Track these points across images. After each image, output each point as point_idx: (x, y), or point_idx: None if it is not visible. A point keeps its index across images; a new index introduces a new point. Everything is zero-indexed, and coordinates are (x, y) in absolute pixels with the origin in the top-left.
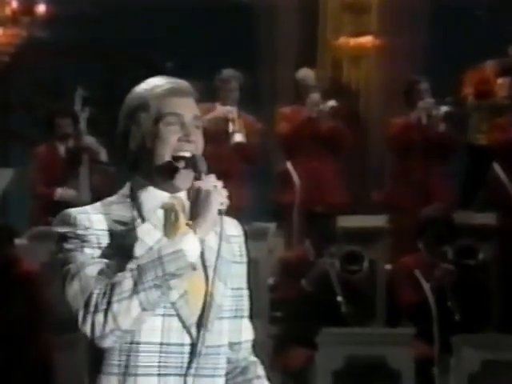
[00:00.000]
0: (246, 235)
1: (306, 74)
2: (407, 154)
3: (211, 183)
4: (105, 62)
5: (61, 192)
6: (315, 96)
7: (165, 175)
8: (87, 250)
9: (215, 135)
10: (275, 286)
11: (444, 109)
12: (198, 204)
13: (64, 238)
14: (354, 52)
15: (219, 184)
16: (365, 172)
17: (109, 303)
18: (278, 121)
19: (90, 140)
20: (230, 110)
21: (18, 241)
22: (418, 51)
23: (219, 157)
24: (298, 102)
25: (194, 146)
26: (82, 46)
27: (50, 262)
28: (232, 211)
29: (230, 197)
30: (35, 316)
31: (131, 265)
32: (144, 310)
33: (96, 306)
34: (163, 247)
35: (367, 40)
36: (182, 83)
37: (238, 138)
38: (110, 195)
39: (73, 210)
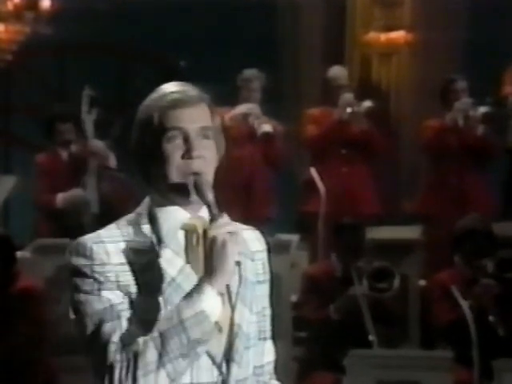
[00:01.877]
0: (269, 249)
1: (337, 72)
2: (442, 159)
3: (226, 229)
4: (114, 60)
5: (63, 196)
6: (348, 96)
7: (178, 193)
8: (105, 294)
9: (237, 136)
10: (299, 304)
11: (482, 110)
12: (213, 256)
13: (79, 273)
14: (384, 48)
15: (235, 229)
16: (396, 179)
17: (135, 378)
18: (305, 123)
19: (97, 144)
20: (252, 107)
21: (19, 254)
22: (454, 47)
23: (242, 161)
24: (326, 102)
25: (202, 162)
26: (89, 43)
27: (54, 276)
28: (254, 221)
29: (253, 207)
30: (38, 337)
31: (154, 332)
32: (173, 381)
33: (121, 381)
34: (182, 308)
35: (399, 35)
36: (189, 91)
37: (266, 127)
38: (120, 204)
39: (88, 239)
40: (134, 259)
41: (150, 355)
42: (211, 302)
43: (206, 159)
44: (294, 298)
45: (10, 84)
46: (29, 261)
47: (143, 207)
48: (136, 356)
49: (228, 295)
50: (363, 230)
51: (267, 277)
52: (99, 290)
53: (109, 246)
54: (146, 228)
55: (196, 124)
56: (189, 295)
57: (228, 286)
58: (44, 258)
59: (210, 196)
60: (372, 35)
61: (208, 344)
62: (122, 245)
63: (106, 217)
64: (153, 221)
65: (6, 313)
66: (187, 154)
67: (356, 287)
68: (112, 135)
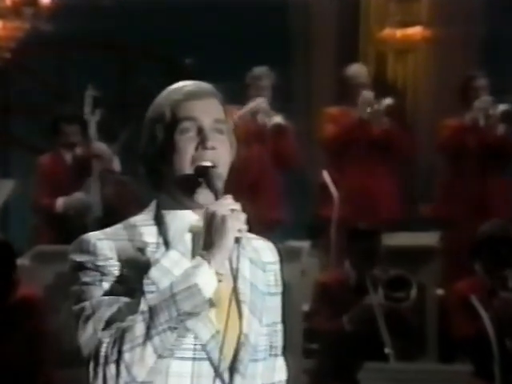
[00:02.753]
0: (282, 259)
1: (357, 70)
2: (461, 160)
3: (228, 206)
4: (118, 58)
5: (63, 200)
6: (368, 95)
7: (187, 191)
8: (106, 285)
9: (245, 135)
10: (310, 314)
11: (503, 108)
12: (212, 231)
13: (81, 267)
14: (400, 45)
15: (237, 207)
16: (412, 182)
17: (120, 352)
18: (322, 122)
19: (101, 147)
20: (261, 101)
21: (19, 261)
22: (473, 43)
23: (249, 161)
24: (344, 102)
25: (216, 154)
26: (90, 41)
27: (54, 285)
28: (264, 227)
29: (262, 211)
30: (38, 348)
31: (143, 306)
32: (160, 356)
33: (106, 357)
34: (175, 283)
35: (416, 31)
36: (202, 84)
37: (277, 119)
38: (123, 208)
39: (92, 236)
40: (139, 258)
41: (138, 329)
42: (206, 277)
43: (220, 153)
44: (305, 307)
45: (8, 83)
46: (28, 268)
47: (151, 208)
48: (124, 331)
49: (237, 304)
50: (378, 236)
51: (279, 289)
52: (101, 281)
53: (113, 242)
54: (153, 229)
55: (210, 115)
56: (185, 271)
57: (238, 295)
58: (44, 265)
59: (219, 185)
60: (387, 31)
61: (199, 318)
62: (127, 244)
63: (109, 221)
64: (160, 222)
65: (5, 323)
66: (201, 144)
67: (371, 296)
68: (121, 139)
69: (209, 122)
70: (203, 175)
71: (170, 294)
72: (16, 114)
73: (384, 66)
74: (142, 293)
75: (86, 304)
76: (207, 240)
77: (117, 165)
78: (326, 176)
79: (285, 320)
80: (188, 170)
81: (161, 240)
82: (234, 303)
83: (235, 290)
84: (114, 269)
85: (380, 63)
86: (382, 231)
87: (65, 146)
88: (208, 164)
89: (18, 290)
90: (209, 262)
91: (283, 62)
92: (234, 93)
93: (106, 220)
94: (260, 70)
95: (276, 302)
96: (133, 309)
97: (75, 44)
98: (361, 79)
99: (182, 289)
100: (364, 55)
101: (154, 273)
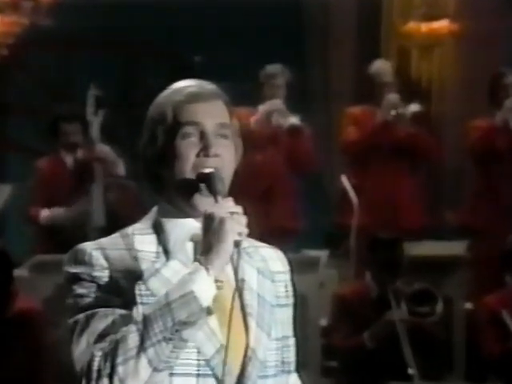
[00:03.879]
0: (292, 269)
1: (381, 67)
2: (491, 164)
3: (227, 209)
4: (122, 56)
5: (47, 214)
6: (393, 98)
7: (187, 198)
8: (102, 297)
9: (258, 138)
10: (328, 330)
11: None
12: (210, 234)
13: (76, 279)
14: (425, 40)
15: (238, 210)
16: (437, 187)
17: (113, 366)
18: (344, 124)
19: (104, 149)
20: (276, 103)
21: (16, 271)
22: (504, 38)
23: (263, 165)
24: (366, 101)
25: (219, 161)
26: (93, 37)
27: (54, 297)
28: (279, 235)
29: (277, 218)
30: (36, 363)
31: (137, 315)
32: (155, 369)
33: (99, 371)
34: (171, 291)
35: (442, 25)
36: (206, 86)
37: (293, 119)
38: (129, 216)
39: (87, 246)
40: (137, 268)
41: (132, 340)
42: (203, 284)
43: (224, 159)
44: (322, 322)
45: (5, 81)
46: (26, 279)
47: (149, 216)
48: (117, 342)
49: (243, 316)
50: (401, 246)
51: (290, 301)
52: (96, 292)
53: (110, 252)
54: (152, 238)
55: (213, 120)
56: (181, 278)
57: (244, 306)
58: (43, 276)
59: (220, 188)
60: (411, 25)
61: (195, 327)
62: (125, 253)
63: (112, 229)
64: (160, 230)
65: (3, 337)
66: (203, 151)
67: (393, 311)
68: (120, 140)
69: (212, 126)
70: (205, 181)
71: (165, 303)
72: (13, 115)
73: (407, 62)
74: (136, 302)
75: (80, 317)
76: (205, 244)
77: (121, 169)
78: (345, 181)
79: (301, 335)
80: (188, 176)
81: (160, 249)
82: (238, 314)
83: (236, 298)
84: (111, 280)
85: (403, 59)
86: (404, 240)
87: (65, 147)
88: (209, 171)
89: (16, 303)
90: (206, 268)
91: (299, 59)
92: (246, 93)
93: (109, 229)
94: (274, 68)
95: (287, 315)
96: (128, 321)
97: (76, 41)
98: (385, 77)
99: (178, 296)
100: (386, 51)
101: (153, 283)
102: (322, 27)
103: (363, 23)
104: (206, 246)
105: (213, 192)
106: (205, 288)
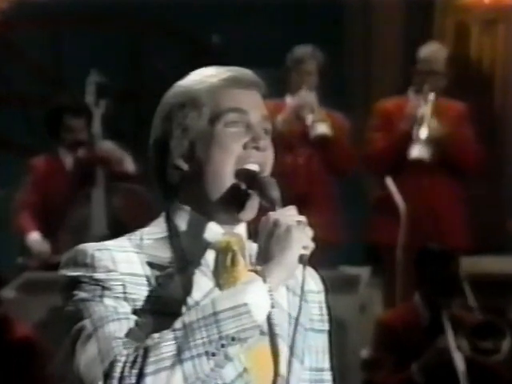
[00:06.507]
0: (327, 289)
1: (433, 52)
2: None
3: (293, 217)
4: (127, 35)
5: (33, 238)
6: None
7: (223, 200)
8: (108, 302)
9: (290, 141)
10: (371, 362)
11: None
12: (272, 242)
13: (76, 283)
14: (488, 14)
15: (303, 219)
16: (498, 194)
17: (141, 375)
18: (371, 126)
19: (108, 147)
20: (306, 97)
21: (3, 292)
22: None
23: (295, 169)
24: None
25: (265, 157)
26: (92, 13)
27: (48, 322)
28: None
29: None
30: None
31: (177, 323)
32: None
33: (122, 379)
34: (218, 300)
35: None
36: (246, 71)
37: (321, 128)
38: (137, 225)
39: (88, 246)
40: (147, 274)
41: (167, 349)
42: (258, 296)
43: (269, 157)
44: (363, 353)
45: None
46: (15, 301)
47: (162, 220)
48: (147, 349)
49: (271, 337)
50: (457, 261)
51: (326, 327)
52: (101, 296)
53: (116, 253)
54: (164, 242)
55: (259, 111)
56: (235, 287)
57: (272, 326)
58: (34, 297)
59: (276, 193)
60: None
61: (244, 346)
62: (133, 256)
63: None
64: (174, 235)
65: None
66: (252, 142)
67: (447, 338)
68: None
69: (258, 117)
70: (249, 182)
71: (212, 312)
72: (1, 106)
73: (466, 41)
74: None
75: (86, 322)
76: (264, 253)
77: (130, 166)
78: (390, 184)
79: (338, 368)
80: (229, 171)
81: (176, 255)
82: (266, 336)
83: (269, 320)
84: (117, 283)
85: (461, 38)
86: (460, 254)
87: (67, 145)
88: (255, 168)
89: (9, 331)
90: (264, 280)
91: (335, 42)
92: (273, 81)
93: (113, 238)
94: (303, 51)
95: (321, 342)
96: (145, 330)
97: (72, 18)
98: (435, 65)
99: (228, 307)
100: (440, 28)
101: (167, 292)
102: (364, 2)
103: None
104: (266, 255)
105: (267, 198)
106: (260, 302)
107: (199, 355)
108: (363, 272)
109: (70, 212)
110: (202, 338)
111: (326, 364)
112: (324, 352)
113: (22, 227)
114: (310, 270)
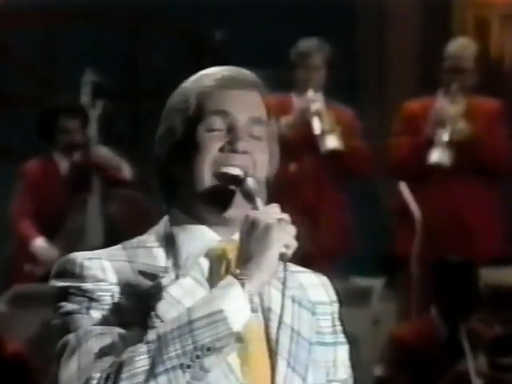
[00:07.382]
0: (341, 301)
1: (462, 48)
2: None
3: (274, 215)
4: (125, 33)
5: (38, 245)
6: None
7: (207, 201)
8: (95, 314)
9: (294, 142)
10: (384, 381)
11: None
12: (251, 242)
13: (64, 294)
14: (509, 9)
15: (285, 217)
16: None
17: None
18: (397, 127)
19: (103, 152)
20: (313, 98)
21: None
22: None
23: (303, 177)
24: (430, 92)
25: (248, 159)
26: (87, 8)
27: (39, 337)
28: (323, 258)
29: (320, 239)
30: None
31: (150, 335)
32: None
33: None
34: (194, 307)
35: None
36: (241, 71)
37: (331, 142)
38: (134, 233)
39: (79, 255)
40: (139, 284)
41: (140, 363)
42: (236, 302)
43: (256, 160)
44: (377, 371)
45: None
46: (4, 315)
47: (160, 227)
48: (121, 364)
49: (269, 349)
50: (477, 272)
51: (339, 339)
52: (88, 308)
53: (106, 262)
54: (161, 251)
55: (246, 112)
56: (210, 292)
57: (269, 333)
58: (24, 311)
59: (256, 191)
60: None
61: (220, 357)
62: (126, 265)
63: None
64: (170, 242)
65: None
66: (230, 145)
67: (468, 360)
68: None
69: (244, 119)
70: (229, 184)
71: (187, 321)
72: None
73: (486, 36)
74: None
75: (70, 337)
76: (244, 254)
77: (127, 172)
78: (404, 190)
79: None
80: (207, 174)
81: (170, 264)
82: (263, 350)
83: (262, 330)
84: (106, 294)
85: (481, 33)
86: (479, 266)
87: (63, 148)
88: (236, 172)
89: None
90: (242, 284)
91: (347, 37)
92: (277, 79)
93: (109, 247)
94: (309, 44)
95: (330, 356)
96: (130, 343)
97: (66, 13)
98: (463, 62)
99: (203, 315)
100: (459, 23)
101: (161, 307)
102: None
103: None
104: (244, 257)
105: (251, 198)
106: (238, 307)
107: (173, 368)
108: (376, 284)
109: (66, 218)
110: (176, 349)
111: (339, 376)
112: (336, 366)
113: (25, 235)
114: (322, 279)
